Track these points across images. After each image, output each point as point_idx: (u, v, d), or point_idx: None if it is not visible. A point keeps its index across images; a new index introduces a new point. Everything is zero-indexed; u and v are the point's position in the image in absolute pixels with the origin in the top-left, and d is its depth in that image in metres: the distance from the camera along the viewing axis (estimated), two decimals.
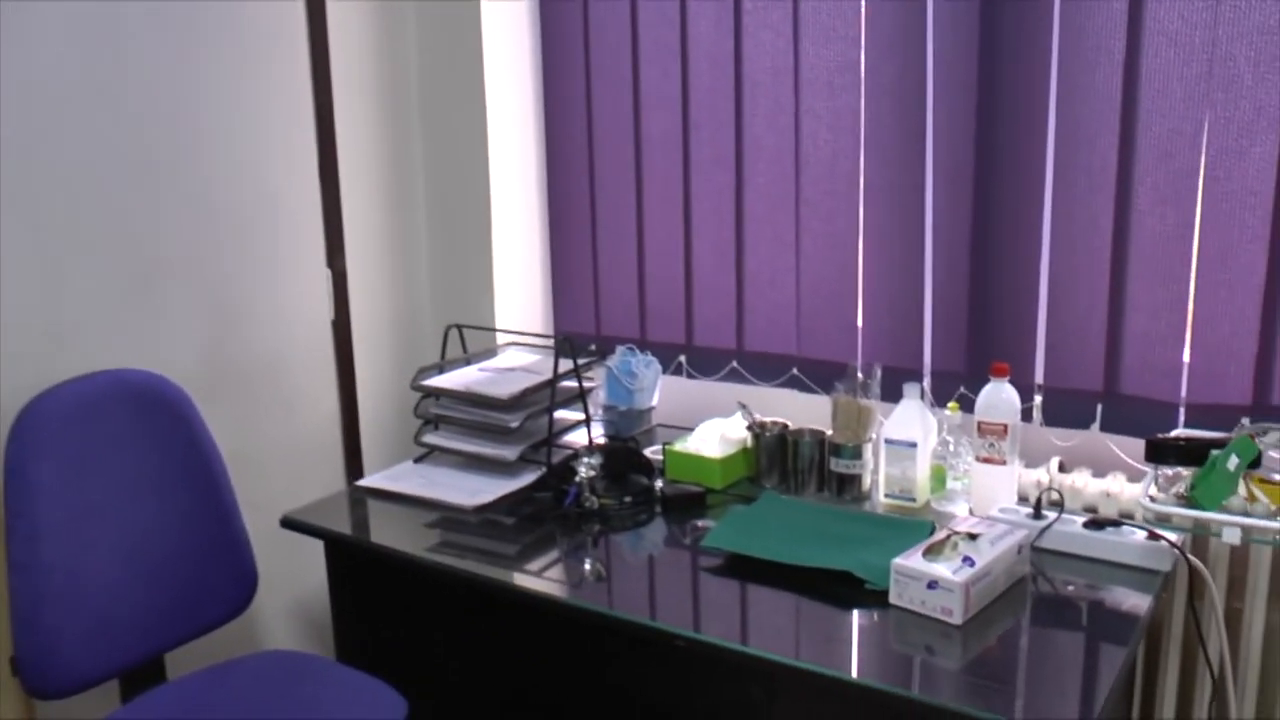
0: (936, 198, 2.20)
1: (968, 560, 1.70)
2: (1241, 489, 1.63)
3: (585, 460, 2.15)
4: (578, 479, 2.14)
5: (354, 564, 2.19)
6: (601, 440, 2.42)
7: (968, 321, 2.22)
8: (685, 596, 1.81)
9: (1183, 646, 2.01)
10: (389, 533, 2.12)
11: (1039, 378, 2.17)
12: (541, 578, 1.89)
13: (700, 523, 2.08)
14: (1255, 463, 1.67)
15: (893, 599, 1.71)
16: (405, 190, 2.80)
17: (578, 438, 2.41)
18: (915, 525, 1.96)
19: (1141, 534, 1.81)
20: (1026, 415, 2.15)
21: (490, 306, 2.76)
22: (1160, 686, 2.04)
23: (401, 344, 2.82)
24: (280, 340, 2.52)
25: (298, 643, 2.63)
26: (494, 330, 2.65)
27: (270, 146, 2.44)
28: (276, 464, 2.53)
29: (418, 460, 2.46)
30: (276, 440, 2.53)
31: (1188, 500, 1.66)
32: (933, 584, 1.67)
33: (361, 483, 2.35)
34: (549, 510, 2.15)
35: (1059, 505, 1.92)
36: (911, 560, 1.71)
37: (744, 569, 1.86)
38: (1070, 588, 1.77)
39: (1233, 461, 1.63)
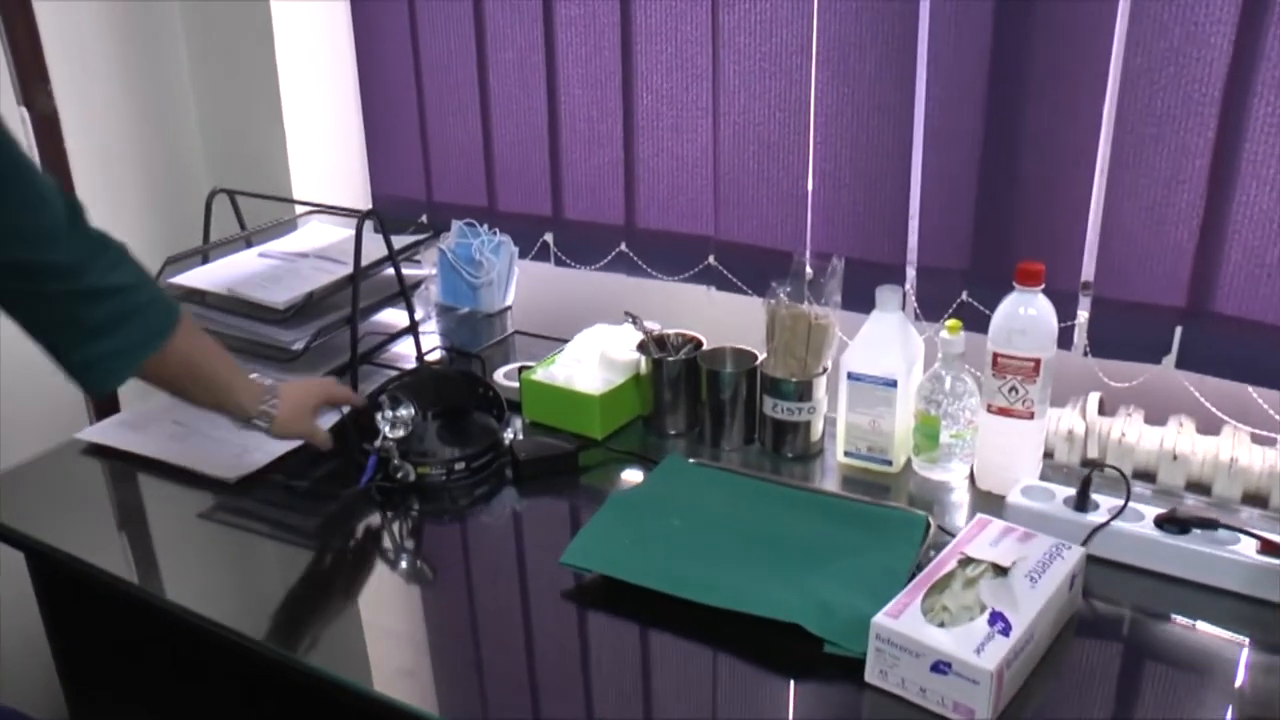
0: None
1: (998, 621, 1.03)
2: None
3: (387, 413, 1.41)
4: (376, 444, 1.40)
5: (61, 580, 1.46)
6: (434, 356, 1.69)
7: (977, 193, 1.46)
8: (524, 654, 1.12)
9: None
10: (95, 530, 1.38)
11: (1086, 276, 1.45)
12: (308, 628, 1.17)
13: (571, 497, 1.41)
14: None
15: (871, 676, 1.06)
16: None
17: (405, 350, 1.69)
18: (899, 521, 1.27)
19: (1250, 543, 1.17)
20: (1064, 337, 1.43)
21: (284, 162, 1.95)
22: None
23: (163, 218, 2.02)
24: None
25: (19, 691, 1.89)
26: (268, 199, 1.83)
27: None
28: None
29: None
30: None
31: None
32: (941, 666, 1.00)
33: (82, 435, 1.58)
34: (347, 486, 1.41)
35: (1122, 484, 1.24)
36: (903, 620, 1.04)
37: (628, 599, 1.17)
38: (1139, 630, 1.15)
39: None
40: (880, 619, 1.04)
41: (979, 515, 1.21)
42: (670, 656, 1.12)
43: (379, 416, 1.41)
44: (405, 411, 1.41)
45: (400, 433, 1.40)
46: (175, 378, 1.27)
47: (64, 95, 1.85)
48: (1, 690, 1.83)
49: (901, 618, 1.04)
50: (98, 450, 1.54)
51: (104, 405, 1.95)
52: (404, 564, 1.29)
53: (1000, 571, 1.09)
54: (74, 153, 1.87)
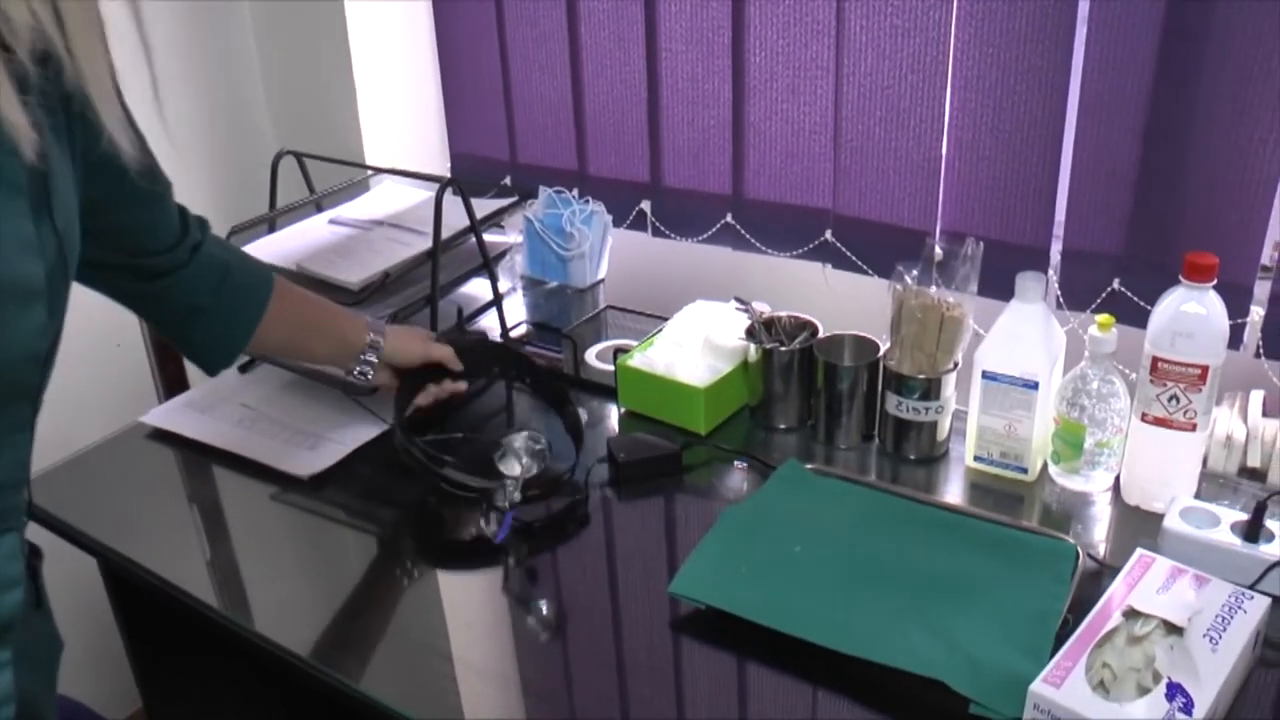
0: None
1: (1177, 695, 0.90)
2: None
3: (522, 459, 1.24)
4: (515, 497, 1.19)
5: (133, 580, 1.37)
6: (519, 331, 1.57)
7: (1138, 168, 1.28)
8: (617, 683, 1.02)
9: None
10: (162, 532, 1.29)
11: (1265, 260, 1.26)
12: (386, 660, 1.07)
13: (675, 499, 1.29)
14: None
15: None
16: None
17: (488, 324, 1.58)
18: (1044, 551, 1.12)
19: None
20: (1233, 335, 1.26)
21: (354, 119, 1.81)
22: None
23: (227, 183, 1.90)
24: None
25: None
26: (339, 163, 1.69)
27: None
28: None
29: (245, 368, 1.59)
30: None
31: None
32: None
33: (147, 419, 1.48)
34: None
35: None
36: (1067, 691, 0.90)
37: (742, 634, 1.05)
38: None
39: None
40: (1041, 688, 0.91)
41: (1140, 552, 1.07)
42: (792, 703, 1.00)
43: (507, 462, 1.23)
44: (537, 447, 1.26)
45: (535, 469, 1.24)
46: (285, 339, 1.27)
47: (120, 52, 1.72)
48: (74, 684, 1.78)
49: (1064, 687, 0.91)
50: (163, 435, 1.44)
51: (172, 381, 1.87)
52: (497, 584, 1.17)
53: (1173, 630, 0.95)
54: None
